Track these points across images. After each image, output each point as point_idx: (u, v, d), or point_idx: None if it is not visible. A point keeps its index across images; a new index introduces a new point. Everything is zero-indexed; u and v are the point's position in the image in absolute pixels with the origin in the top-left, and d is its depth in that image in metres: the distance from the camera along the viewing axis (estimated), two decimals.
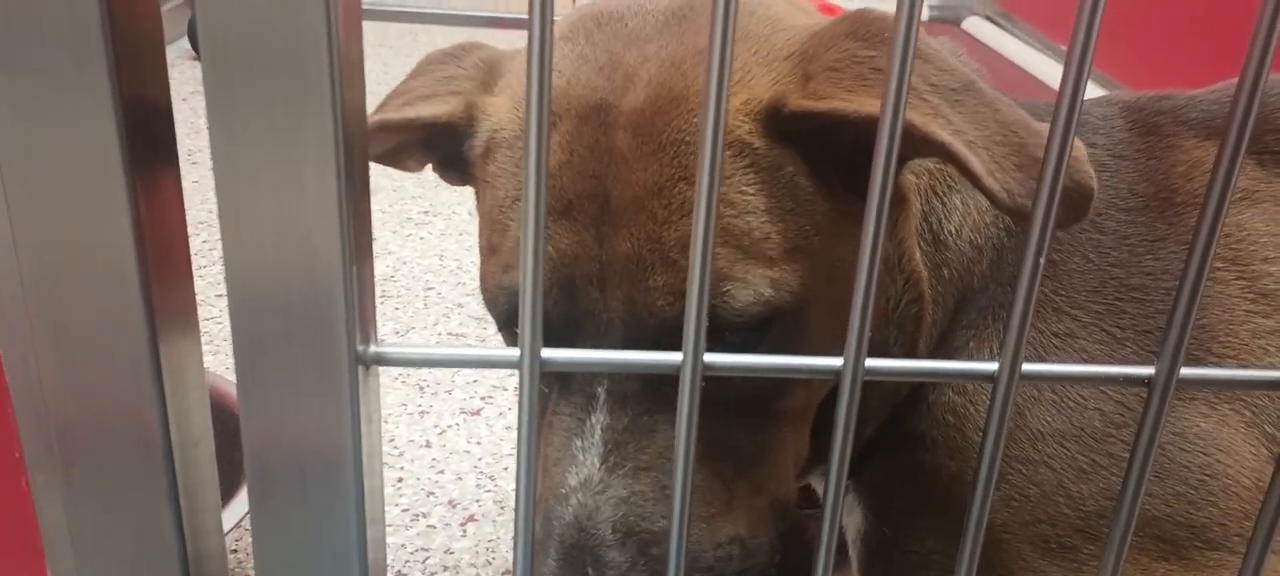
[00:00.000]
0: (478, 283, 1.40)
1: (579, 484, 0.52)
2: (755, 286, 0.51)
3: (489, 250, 0.57)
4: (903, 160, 0.57)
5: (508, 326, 0.58)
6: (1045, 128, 0.50)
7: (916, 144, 0.49)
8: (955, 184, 0.62)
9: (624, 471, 0.52)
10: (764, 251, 0.52)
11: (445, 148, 0.62)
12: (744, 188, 0.52)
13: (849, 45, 0.52)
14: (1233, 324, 0.62)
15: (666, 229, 0.51)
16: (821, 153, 0.53)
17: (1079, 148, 0.48)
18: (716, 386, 0.52)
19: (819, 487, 0.77)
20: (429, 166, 0.66)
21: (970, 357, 0.63)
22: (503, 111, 0.58)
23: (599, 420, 0.53)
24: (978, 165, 0.47)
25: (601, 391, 0.53)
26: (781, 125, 0.52)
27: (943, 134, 0.48)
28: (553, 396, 0.55)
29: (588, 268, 0.52)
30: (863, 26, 0.52)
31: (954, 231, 0.62)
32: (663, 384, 0.53)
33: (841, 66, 0.52)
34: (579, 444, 0.53)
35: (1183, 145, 0.66)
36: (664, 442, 0.53)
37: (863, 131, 0.48)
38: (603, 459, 0.52)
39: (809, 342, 0.55)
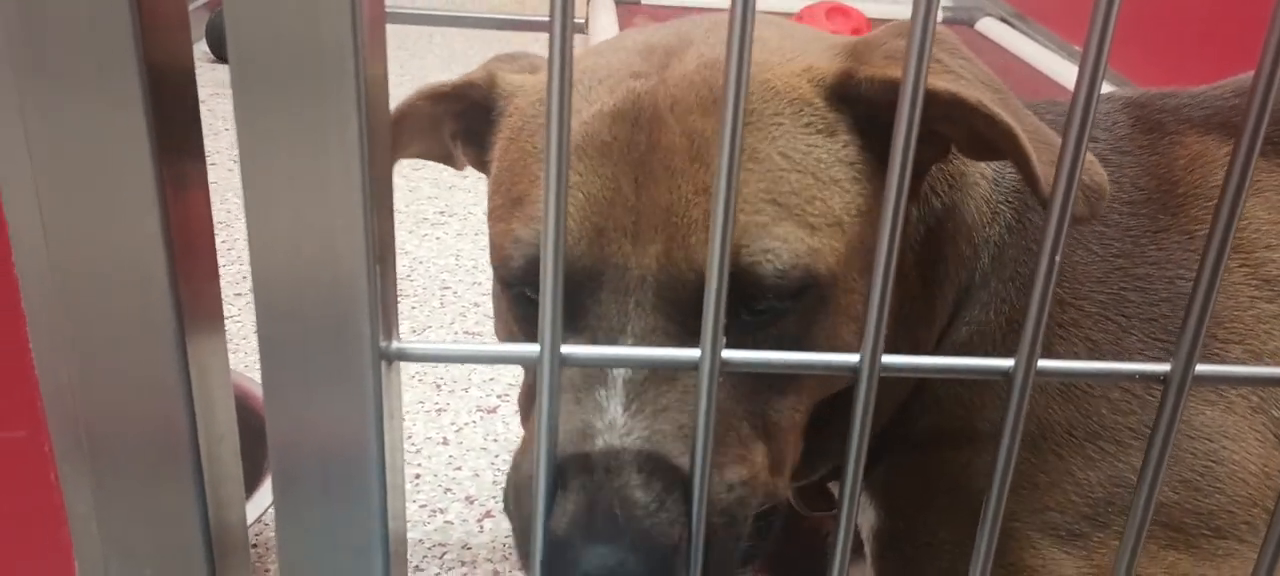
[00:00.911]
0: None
1: (603, 427, 0.50)
2: (795, 249, 0.51)
3: (513, 203, 0.56)
4: (966, 152, 0.57)
5: (520, 282, 0.55)
6: (1055, 133, 0.52)
7: (981, 130, 0.51)
8: (957, 182, 0.63)
9: (646, 415, 0.50)
10: (807, 216, 0.52)
11: (471, 123, 0.63)
12: (798, 145, 0.53)
13: (901, 43, 0.54)
14: (1237, 309, 0.62)
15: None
16: (874, 134, 0.54)
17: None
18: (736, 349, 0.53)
19: (835, 489, 0.77)
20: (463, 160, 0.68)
21: (973, 353, 0.64)
22: (531, 81, 0.60)
23: (622, 371, 0.51)
24: (1036, 161, 0.49)
25: (625, 344, 0.52)
26: (844, 97, 0.54)
27: (1012, 123, 0.49)
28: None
29: (621, 217, 0.51)
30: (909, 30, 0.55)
31: (952, 229, 0.63)
32: (686, 333, 0.52)
33: (898, 56, 0.54)
34: (602, 392, 0.51)
35: (1184, 140, 0.67)
36: (684, 386, 0.51)
37: (930, 109, 0.50)
38: (625, 405, 0.51)
39: (832, 326, 0.55)
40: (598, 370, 0.51)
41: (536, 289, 0.54)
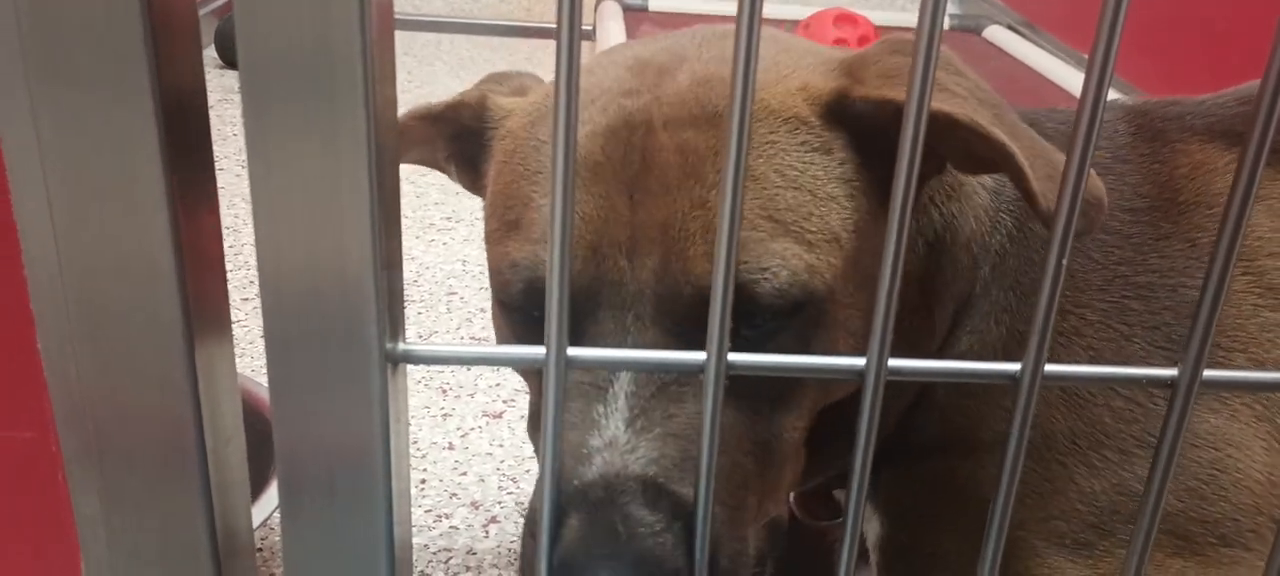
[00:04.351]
0: None
1: (604, 444, 0.50)
2: (792, 266, 0.51)
3: (508, 227, 0.56)
4: (961, 168, 0.57)
5: (520, 307, 0.55)
6: (1052, 146, 0.52)
7: (976, 147, 0.50)
8: (955, 193, 0.63)
9: (652, 435, 0.50)
10: (804, 232, 0.52)
11: (464, 146, 0.63)
12: (794, 163, 0.53)
13: (896, 60, 0.54)
14: (1240, 318, 0.62)
15: (715, 194, 0.51)
16: (870, 152, 0.54)
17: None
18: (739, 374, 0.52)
19: (841, 498, 0.77)
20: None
21: (972, 361, 0.64)
22: (522, 104, 0.59)
23: (623, 387, 0.51)
24: (1032, 178, 0.48)
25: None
26: (839, 115, 0.54)
27: (1006, 140, 0.49)
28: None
29: (616, 233, 0.51)
30: (905, 45, 0.55)
31: (951, 241, 0.63)
32: (684, 346, 0.52)
33: (893, 74, 0.54)
34: (601, 409, 0.50)
35: (1186, 148, 0.67)
36: (692, 411, 0.51)
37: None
38: (628, 422, 0.50)
39: (829, 340, 0.55)
40: (598, 390, 0.51)
41: (539, 310, 0.54)
